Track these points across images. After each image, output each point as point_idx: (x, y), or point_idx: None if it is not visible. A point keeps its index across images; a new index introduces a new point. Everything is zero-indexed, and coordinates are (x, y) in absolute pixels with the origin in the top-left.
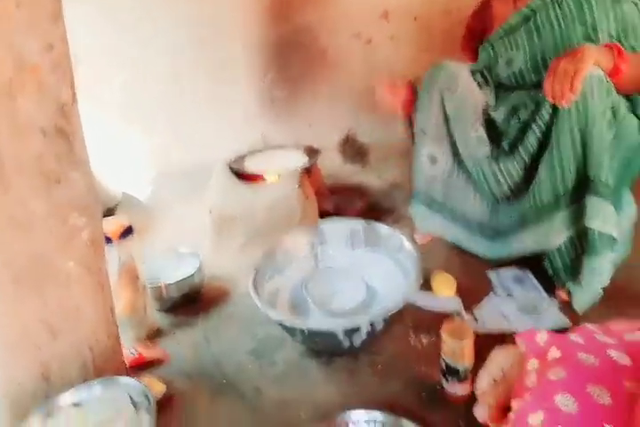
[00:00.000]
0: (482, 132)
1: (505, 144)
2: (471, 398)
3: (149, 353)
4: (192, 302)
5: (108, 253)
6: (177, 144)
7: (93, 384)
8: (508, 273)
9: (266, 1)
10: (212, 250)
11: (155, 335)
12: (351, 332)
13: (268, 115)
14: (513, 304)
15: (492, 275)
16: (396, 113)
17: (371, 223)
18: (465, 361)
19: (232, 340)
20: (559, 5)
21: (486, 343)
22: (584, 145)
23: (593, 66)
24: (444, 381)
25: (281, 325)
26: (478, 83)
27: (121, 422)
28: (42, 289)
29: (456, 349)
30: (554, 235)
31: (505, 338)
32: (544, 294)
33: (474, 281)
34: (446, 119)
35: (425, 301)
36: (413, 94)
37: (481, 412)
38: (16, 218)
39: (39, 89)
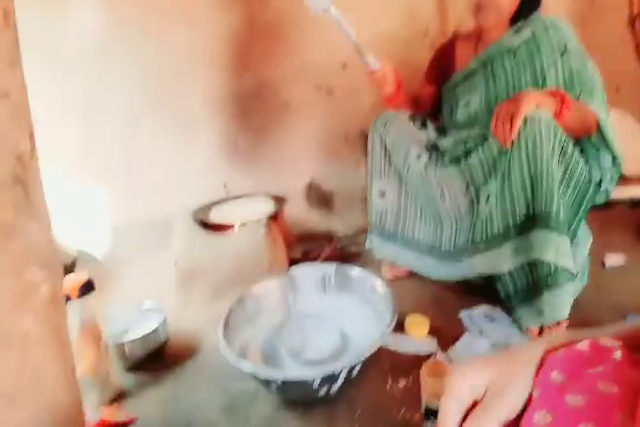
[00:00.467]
0: (423, 156)
1: (446, 159)
2: None
3: (114, 416)
4: (158, 358)
5: (68, 311)
6: (136, 196)
7: None
8: (480, 312)
9: (226, 54)
10: (179, 304)
11: (119, 397)
12: (327, 379)
13: (232, 163)
14: (485, 342)
15: (464, 315)
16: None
17: (342, 267)
18: None
19: (202, 397)
20: (514, 55)
21: None
22: (533, 181)
23: (541, 109)
24: (425, 423)
25: (254, 377)
26: (421, 123)
27: None
28: None
29: (436, 388)
30: (503, 261)
31: None
32: (515, 331)
33: (447, 321)
34: (387, 155)
35: (400, 344)
36: (400, 91)
37: None
38: None
39: None
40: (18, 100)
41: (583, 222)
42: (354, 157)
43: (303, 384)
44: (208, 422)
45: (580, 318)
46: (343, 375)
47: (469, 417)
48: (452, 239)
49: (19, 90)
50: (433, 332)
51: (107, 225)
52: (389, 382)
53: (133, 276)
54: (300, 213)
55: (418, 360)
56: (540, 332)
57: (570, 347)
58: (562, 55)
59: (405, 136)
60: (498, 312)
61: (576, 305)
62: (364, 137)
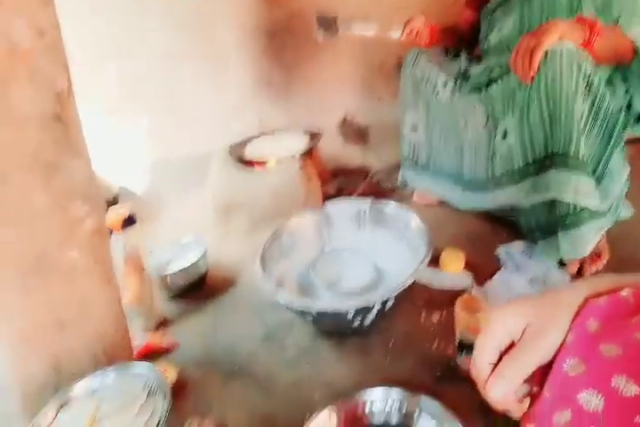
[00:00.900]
0: (450, 84)
1: (469, 87)
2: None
3: (158, 342)
4: (198, 289)
5: (112, 244)
6: (173, 133)
7: (107, 372)
8: (517, 247)
9: None
10: (217, 238)
11: (163, 324)
12: (361, 311)
13: (266, 99)
14: (523, 278)
15: (501, 250)
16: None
17: (377, 202)
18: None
19: (241, 326)
20: None
21: None
22: (552, 121)
23: (564, 41)
24: (458, 357)
25: (290, 308)
26: (454, 54)
27: (136, 409)
28: (48, 282)
29: (470, 323)
30: (522, 198)
31: None
32: (554, 267)
33: (483, 257)
34: (417, 87)
35: (435, 278)
36: (435, 37)
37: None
38: (17, 211)
39: (33, 77)
40: (53, 38)
41: (618, 153)
42: (390, 89)
43: (337, 316)
44: (246, 350)
45: (624, 252)
46: (377, 308)
47: (505, 357)
48: (474, 172)
49: (53, 28)
50: (468, 267)
51: (146, 162)
52: (423, 316)
53: (173, 211)
54: (335, 148)
55: (452, 295)
56: (580, 267)
57: (612, 294)
58: None
59: (435, 67)
60: (536, 249)
61: (618, 239)
62: (400, 68)
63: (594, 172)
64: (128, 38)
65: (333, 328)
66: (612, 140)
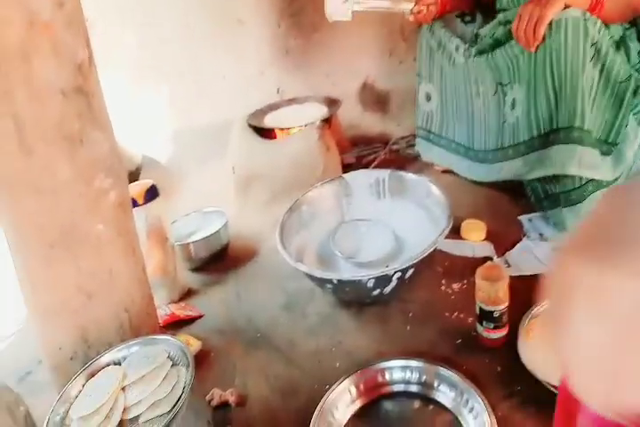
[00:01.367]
0: (461, 47)
1: (476, 49)
2: (507, 342)
3: (182, 312)
4: (220, 260)
5: (135, 216)
6: (193, 102)
7: (132, 343)
8: (540, 217)
9: None
10: (237, 208)
11: (186, 294)
12: (381, 281)
13: (284, 66)
14: (546, 246)
15: (524, 219)
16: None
17: (395, 172)
18: (500, 304)
19: (263, 295)
20: None
21: (520, 286)
22: (557, 94)
23: (569, 9)
24: (478, 326)
25: (310, 277)
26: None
27: (161, 378)
28: (74, 254)
29: (491, 292)
30: (528, 171)
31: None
32: None
33: (505, 226)
34: (432, 55)
35: (455, 247)
36: (448, 5)
37: None
38: (42, 184)
39: (54, 48)
40: (72, 8)
41: (634, 118)
42: (411, 52)
43: (357, 285)
44: (268, 318)
45: None
46: (396, 277)
47: None
48: (484, 142)
49: None
50: (490, 237)
51: (167, 131)
52: (444, 285)
53: (194, 181)
54: (355, 115)
55: (473, 264)
56: None
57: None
58: None
59: (449, 33)
60: None
61: None
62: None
63: (606, 140)
64: (147, 7)
65: (353, 298)
66: (624, 107)
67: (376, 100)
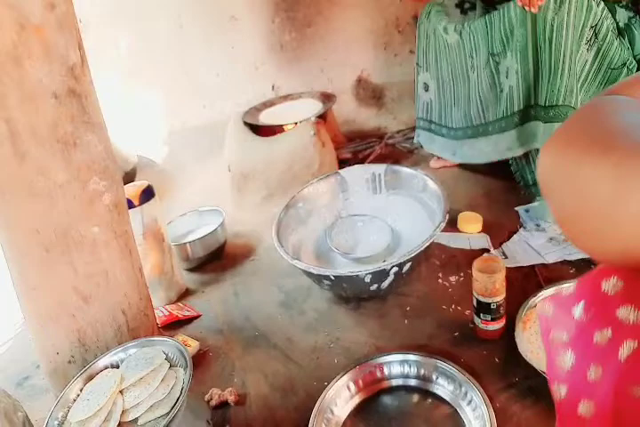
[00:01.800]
0: (458, 26)
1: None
2: (505, 333)
3: (180, 312)
4: (217, 259)
5: (131, 217)
6: (187, 100)
7: (130, 346)
8: (537, 207)
9: None
10: (234, 206)
11: (184, 294)
12: (378, 276)
13: (278, 61)
14: (543, 237)
15: (521, 210)
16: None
17: (392, 167)
18: (497, 296)
19: (260, 293)
20: None
21: (517, 277)
22: (551, 71)
23: None
24: (475, 318)
25: (308, 273)
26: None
27: (159, 380)
28: (70, 257)
29: (487, 284)
30: (522, 146)
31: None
32: None
33: (500, 218)
34: (430, 44)
35: (452, 239)
36: None
37: None
38: (36, 187)
39: (46, 51)
40: (64, 11)
41: None
42: (406, 47)
43: (354, 280)
44: (266, 316)
45: None
46: (393, 272)
47: None
48: (482, 115)
49: (64, 0)
50: (486, 229)
51: (162, 130)
52: (440, 278)
53: (190, 180)
54: (350, 110)
55: (470, 256)
56: None
57: None
58: None
59: (445, 17)
60: None
61: None
62: (416, 23)
63: None
64: (141, 5)
65: (351, 293)
66: None
67: (371, 94)
